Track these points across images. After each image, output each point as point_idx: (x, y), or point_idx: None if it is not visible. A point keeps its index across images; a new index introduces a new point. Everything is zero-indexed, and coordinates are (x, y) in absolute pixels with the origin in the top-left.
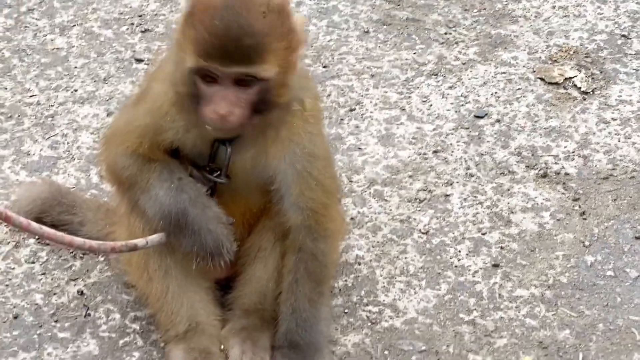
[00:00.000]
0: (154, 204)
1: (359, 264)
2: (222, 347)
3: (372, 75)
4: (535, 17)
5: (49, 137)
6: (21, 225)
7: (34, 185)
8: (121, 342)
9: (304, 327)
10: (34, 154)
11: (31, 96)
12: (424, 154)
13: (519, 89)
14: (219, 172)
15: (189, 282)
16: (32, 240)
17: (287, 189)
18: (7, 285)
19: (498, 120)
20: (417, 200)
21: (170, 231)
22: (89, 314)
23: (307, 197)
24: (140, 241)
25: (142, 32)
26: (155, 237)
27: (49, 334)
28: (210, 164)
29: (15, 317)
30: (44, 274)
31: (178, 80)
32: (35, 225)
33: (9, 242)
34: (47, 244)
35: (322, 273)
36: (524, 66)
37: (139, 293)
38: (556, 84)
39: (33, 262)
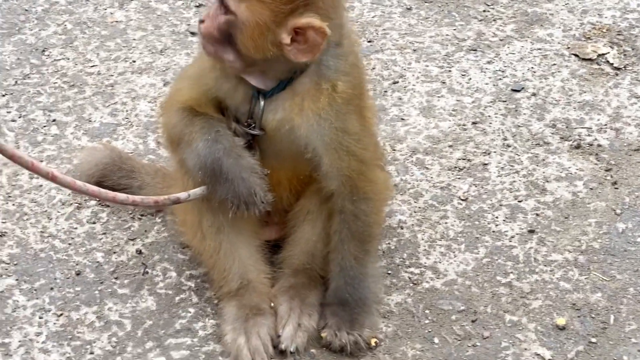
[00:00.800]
0: (194, 155)
1: (402, 228)
2: (272, 304)
3: (414, 50)
4: None
5: (109, 105)
6: (67, 184)
7: (95, 151)
8: (177, 298)
9: (352, 285)
10: (95, 121)
11: (92, 66)
12: (463, 125)
13: (554, 64)
14: (253, 124)
15: (240, 240)
16: (93, 202)
17: (320, 158)
18: (70, 244)
19: (534, 94)
20: (457, 168)
21: (207, 181)
22: (147, 272)
23: (339, 166)
24: (182, 194)
25: (196, 6)
26: (197, 190)
27: (109, 290)
28: (249, 120)
29: (78, 274)
30: (104, 233)
31: None
32: (80, 183)
33: (71, 204)
34: (108, 206)
35: (366, 232)
36: (558, 43)
37: (193, 252)
38: (589, 60)
39: (94, 223)
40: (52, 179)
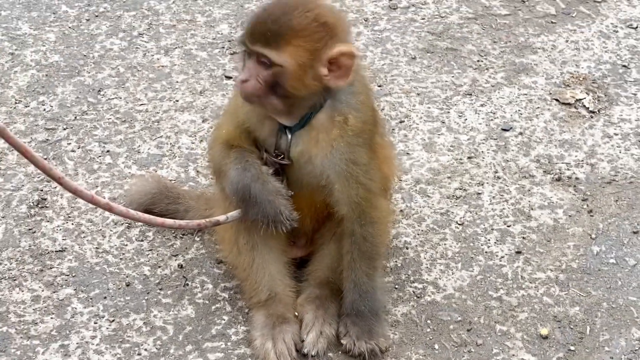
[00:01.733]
0: (228, 183)
1: (407, 248)
2: (297, 313)
3: (418, 94)
4: (552, 49)
5: (155, 139)
6: (122, 213)
7: (145, 181)
8: (213, 307)
9: (365, 297)
10: (143, 152)
11: (141, 104)
12: (460, 159)
13: (538, 107)
14: (282, 156)
15: (271, 257)
16: (141, 223)
17: (332, 185)
18: (121, 259)
19: (521, 133)
20: (454, 197)
21: (240, 204)
22: (187, 284)
23: (349, 194)
24: (221, 217)
25: (231, 54)
26: (234, 213)
27: (155, 300)
28: (276, 150)
29: (128, 285)
30: (150, 250)
31: None
32: (133, 212)
33: (122, 223)
34: (153, 227)
35: (374, 252)
36: (542, 89)
37: (228, 266)
38: (568, 104)
39: (142, 240)
40: (109, 209)
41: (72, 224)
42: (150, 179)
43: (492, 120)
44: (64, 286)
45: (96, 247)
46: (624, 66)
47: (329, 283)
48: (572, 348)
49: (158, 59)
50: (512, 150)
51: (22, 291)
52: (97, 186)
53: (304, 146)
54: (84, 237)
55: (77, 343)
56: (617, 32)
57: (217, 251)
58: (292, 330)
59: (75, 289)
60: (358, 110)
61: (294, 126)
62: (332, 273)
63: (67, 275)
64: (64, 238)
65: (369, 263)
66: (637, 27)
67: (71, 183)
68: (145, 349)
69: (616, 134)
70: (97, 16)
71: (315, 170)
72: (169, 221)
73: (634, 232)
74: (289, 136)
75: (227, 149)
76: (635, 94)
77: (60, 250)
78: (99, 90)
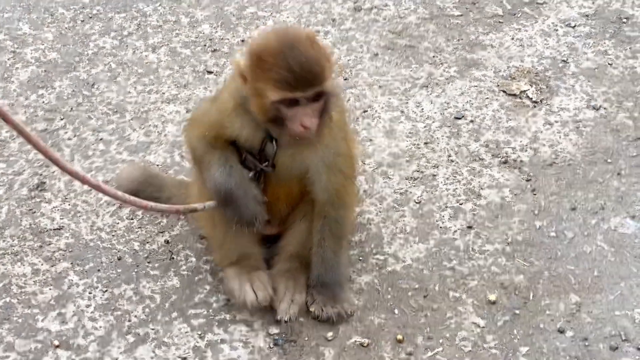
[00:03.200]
0: (211, 180)
1: (370, 224)
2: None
3: (380, 87)
4: (499, 46)
5: (143, 127)
6: (111, 194)
7: (133, 169)
8: (196, 278)
9: (330, 271)
10: (133, 140)
11: (131, 97)
12: (417, 144)
13: (487, 98)
14: (266, 162)
15: (243, 231)
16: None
17: (318, 177)
18: (113, 235)
19: (472, 121)
20: (412, 178)
21: (219, 202)
22: (173, 258)
23: (332, 182)
24: (199, 205)
25: (212, 51)
26: (210, 203)
27: (144, 272)
28: (260, 156)
29: (119, 259)
30: (140, 227)
31: (260, 109)
32: (120, 193)
33: (114, 204)
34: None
35: (342, 232)
36: (490, 81)
37: (208, 241)
38: (514, 95)
39: (132, 219)
40: (101, 190)
41: (69, 204)
42: (138, 167)
43: (446, 109)
44: (62, 260)
45: (91, 225)
46: (563, 61)
47: (298, 257)
48: (517, 312)
49: (146, 56)
50: (464, 136)
51: (24, 265)
52: (91, 170)
53: (296, 149)
54: (79, 216)
55: (73, 311)
56: (557, 30)
57: (199, 227)
58: (265, 275)
59: (71, 263)
60: (338, 106)
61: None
62: (301, 248)
63: (64, 251)
64: (62, 217)
65: (336, 241)
66: (574, 26)
67: (64, 163)
68: (135, 316)
69: (556, 122)
70: (90, 17)
71: (303, 167)
72: (151, 204)
73: (572, 209)
74: (275, 146)
75: (208, 145)
76: (573, 86)
77: (58, 229)
78: (93, 84)
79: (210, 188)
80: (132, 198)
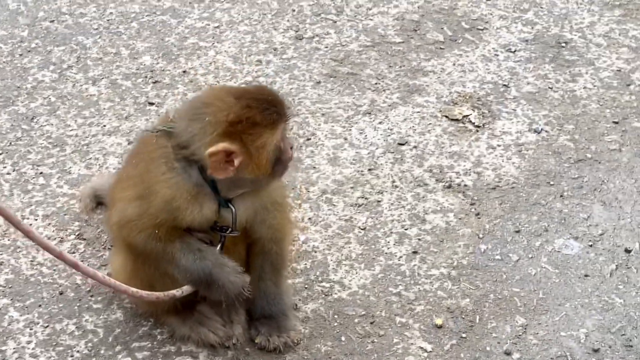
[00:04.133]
0: (182, 271)
1: (315, 252)
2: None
3: (323, 114)
4: (441, 71)
5: (85, 160)
6: (90, 274)
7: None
8: (140, 310)
9: (272, 303)
10: (74, 173)
11: (71, 130)
12: (362, 171)
13: (429, 123)
14: (229, 229)
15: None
16: (72, 236)
17: (265, 216)
18: (54, 270)
19: (415, 147)
20: (357, 205)
21: (201, 287)
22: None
23: (274, 222)
24: (177, 292)
25: (153, 82)
26: (186, 288)
27: (86, 306)
28: (218, 225)
29: (61, 294)
30: (82, 261)
31: (261, 167)
32: (100, 274)
33: (55, 238)
34: (84, 239)
35: (283, 264)
36: (433, 107)
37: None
38: (457, 120)
39: (74, 252)
40: (75, 267)
41: (8, 240)
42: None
43: (389, 135)
44: (1, 297)
45: (31, 261)
46: (505, 85)
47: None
48: (464, 335)
49: (87, 89)
50: (408, 162)
51: None
52: (31, 205)
53: (243, 204)
54: (19, 251)
55: (13, 348)
56: (497, 55)
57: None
58: (207, 308)
59: (11, 299)
60: None
61: (235, 196)
62: None
63: (4, 287)
64: (1, 253)
65: (277, 273)
66: (515, 51)
67: (41, 238)
68: (78, 351)
69: (499, 145)
70: (29, 51)
71: (249, 214)
72: (131, 289)
73: (516, 232)
74: (234, 209)
75: (162, 240)
76: (514, 110)
77: None
78: (32, 118)
79: (183, 279)
80: (112, 281)
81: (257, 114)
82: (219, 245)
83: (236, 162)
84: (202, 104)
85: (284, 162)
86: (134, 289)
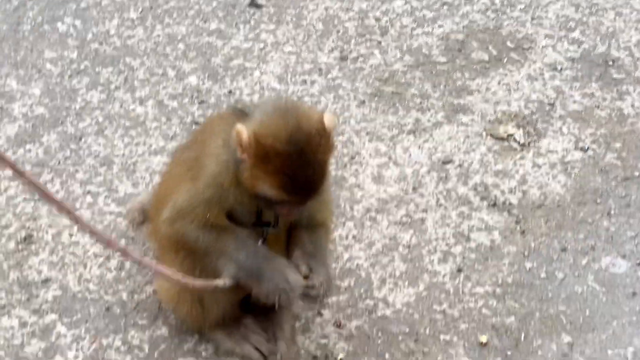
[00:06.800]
0: (234, 265)
1: (359, 269)
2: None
3: (367, 133)
4: (486, 90)
5: (131, 179)
6: (135, 259)
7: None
8: (184, 327)
9: (316, 249)
10: (120, 191)
11: (118, 150)
12: (406, 190)
13: (474, 142)
14: (270, 223)
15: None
16: (118, 254)
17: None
18: (101, 286)
19: (460, 165)
20: (401, 223)
21: (252, 283)
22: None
23: (312, 211)
24: (220, 282)
25: (199, 102)
26: (229, 280)
27: (132, 321)
28: (261, 219)
29: (107, 309)
30: (128, 277)
31: (251, 186)
32: (146, 259)
33: (102, 256)
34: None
35: (324, 239)
36: (478, 126)
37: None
38: (501, 138)
39: (120, 269)
40: (124, 254)
41: (57, 257)
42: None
43: (433, 154)
44: (49, 312)
45: (79, 277)
46: (550, 104)
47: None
48: (509, 353)
49: (133, 110)
50: (452, 180)
51: (11, 318)
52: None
53: None
54: (67, 268)
55: None
56: (543, 74)
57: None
58: (252, 322)
59: (59, 315)
60: None
61: None
62: None
63: (52, 303)
64: (49, 270)
65: (320, 247)
66: (561, 70)
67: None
68: None
69: (544, 164)
70: (78, 73)
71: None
72: (177, 274)
73: (563, 250)
74: None
75: (214, 231)
76: (560, 128)
77: (45, 281)
78: (80, 138)
79: (234, 274)
80: (162, 268)
81: (280, 170)
82: (260, 240)
83: (240, 154)
84: (279, 109)
85: (272, 208)
86: (180, 274)
